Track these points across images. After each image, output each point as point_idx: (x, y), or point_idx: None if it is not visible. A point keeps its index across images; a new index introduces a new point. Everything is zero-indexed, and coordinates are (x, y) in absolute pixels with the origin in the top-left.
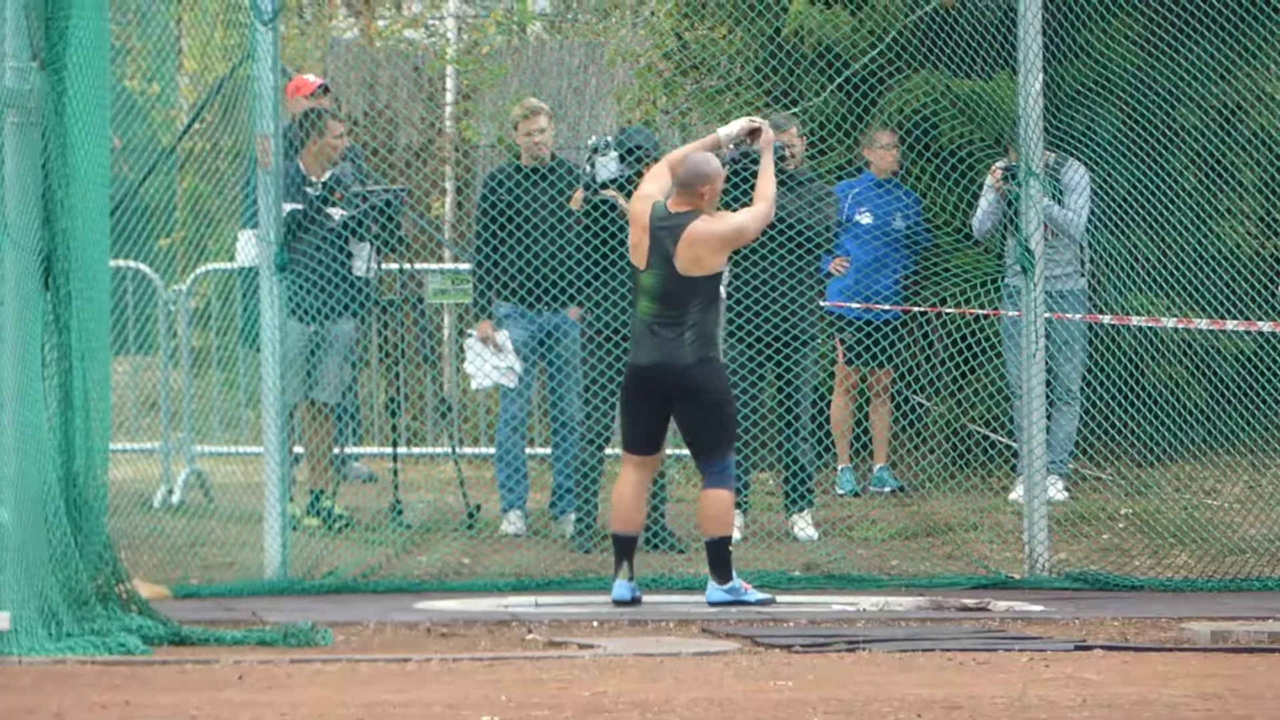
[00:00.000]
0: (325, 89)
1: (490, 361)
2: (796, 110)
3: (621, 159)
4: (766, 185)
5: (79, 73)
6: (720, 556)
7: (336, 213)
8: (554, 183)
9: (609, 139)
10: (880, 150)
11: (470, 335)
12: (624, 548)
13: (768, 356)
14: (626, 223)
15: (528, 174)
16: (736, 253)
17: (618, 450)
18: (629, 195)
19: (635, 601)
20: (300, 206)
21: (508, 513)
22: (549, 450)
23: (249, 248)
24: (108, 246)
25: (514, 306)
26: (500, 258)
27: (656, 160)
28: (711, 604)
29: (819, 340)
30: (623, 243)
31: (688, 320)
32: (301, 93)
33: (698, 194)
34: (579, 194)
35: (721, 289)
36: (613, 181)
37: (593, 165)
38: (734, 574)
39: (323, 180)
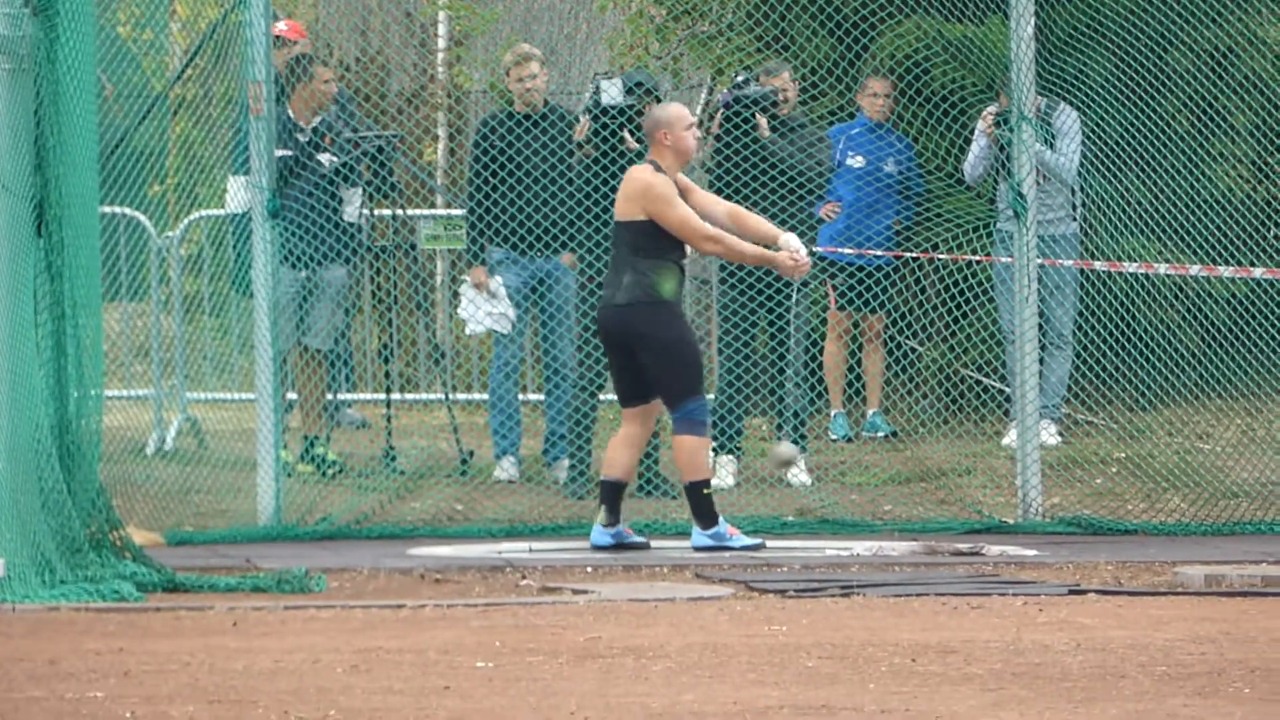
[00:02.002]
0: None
1: (484, 308)
2: (787, 56)
3: (628, 91)
4: (735, 243)
5: (70, 19)
6: (698, 502)
7: (326, 159)
8: (546, 129)
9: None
10: (870, 98)
11: (464, 282)
12: (605, 492)
13: (760, 302)
14: (630, 155)
15: (520, 120)
16: (727, 194)
17: (611, 397)
18: (634, 131)
19: (618, 548)
20: (290, 153)
21: (501, 459)
22: (542, 397)
23: (239, 194)
24: (97, 193)
25: (507, 252)
26: (493, 204)
27: (658, 98)
28: (696, 549)
29: (811, 285)
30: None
31: (623, 264)
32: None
33: (656, 140)
34: (584, 123)
35: (669, 248)
36: (615, 109)
37: (598, 91)
38: (719, 518)
39: (312, 126)
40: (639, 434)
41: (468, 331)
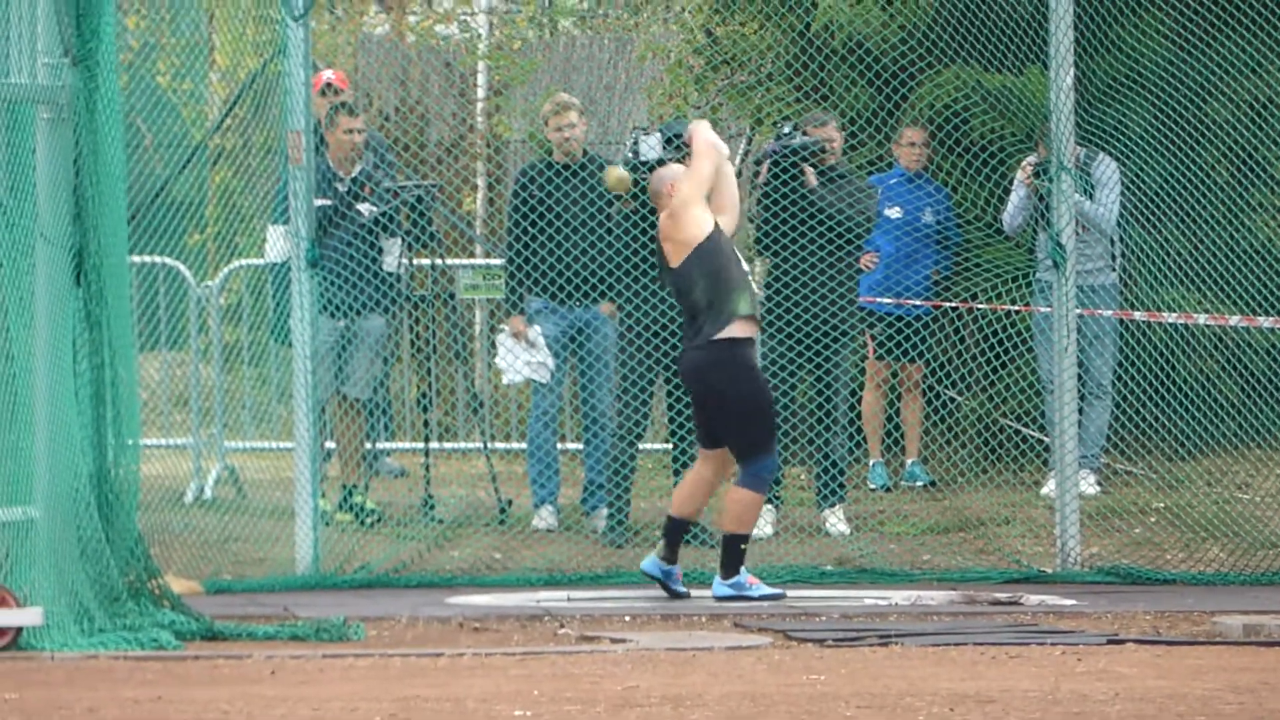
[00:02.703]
0: (335, 88)
1: (522, 357)
2: (826, 106)
3: (667, 143)
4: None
5: (110, 70)
6: (732, 552)
7: (366, 208)
8: (585, 179)
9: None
10: (907, 148)
11: (502, 331)
12: (668, 527)
13: (803, 353)
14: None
15: (559, 170)
16: (773, 245)
17: (651, 445)
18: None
19: (664, 586)
20: (330, 202)
21: (539, 508)
22: (581, 446)
23: (278, 243)
24: (127, 244)
25: (545, 302)
26: (532, 254)
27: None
28: (717, 598)
29: (855, 336)
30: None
31: (694, 308)
32: (316, 89)
33: (664, 195)
34: (613, 171)
35: (726, 255)
36: (658, 162)
37: (636, 144)
38: (741, 570)
39: (352, 176)
40: (712, 478)
41: (505, 381)
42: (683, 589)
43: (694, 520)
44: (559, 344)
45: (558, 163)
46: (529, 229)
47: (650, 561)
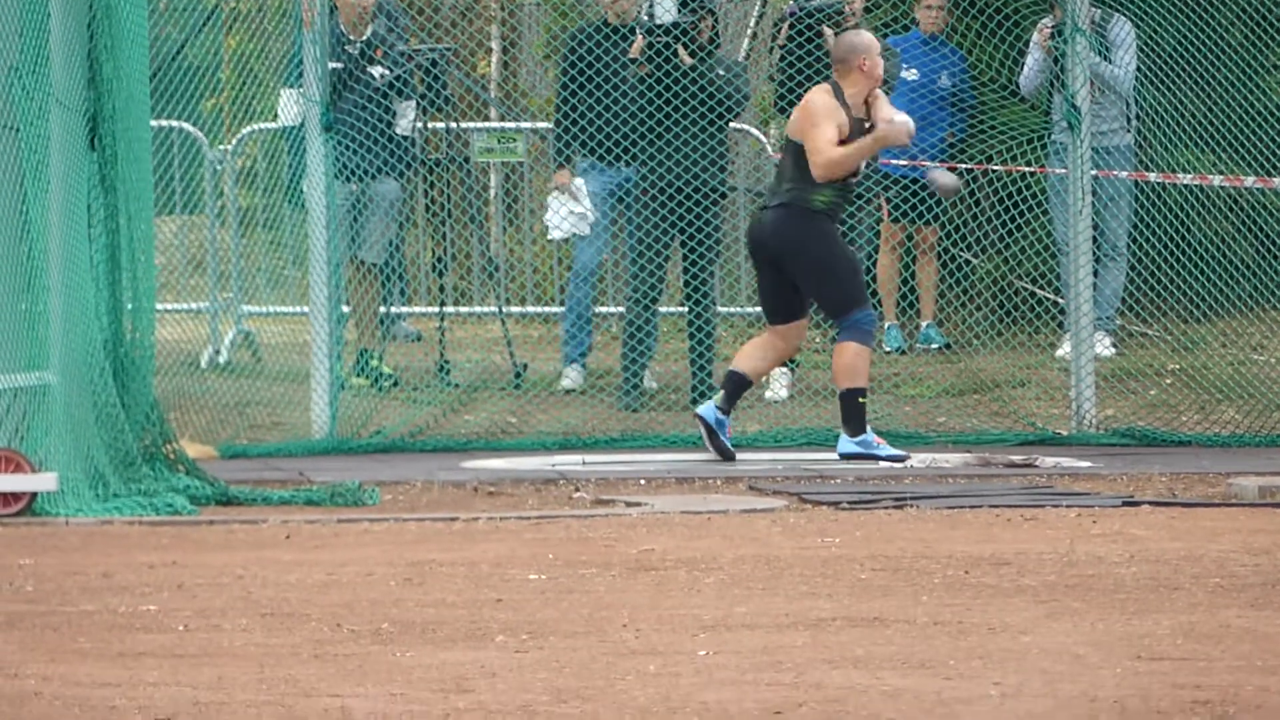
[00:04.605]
0: None
1: (565, 208)
2: None
3: (682, 4)
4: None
5: None
6: (851, 408)
7: (378, 71)
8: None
9: None
10: (925, 10)
11: (552, 190)
12: (729, 379)
13: None
14: (682, 72)
15: (608, 33)
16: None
17: (668, 309)
18: (688, 44)
19: (712, 433)
20: (340, 65)
21: (568, 366)
22: (616, 309)
23: (290, 106)
24: (149, 108)
25: (591, 162)
26: (580, 116)
27: (713, 11)
28: (842, 456)
29: (871, 198)
30: (678, 95)
31: (783, 177)
32: None
33: (853, 66)
34: (639, 42)
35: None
36: (674, 26)
37: (651, 8)
38: (868, 427)
39: (363, 39)
40: (782, 347)
41: (550, 236)
42: (729, 445)
43: (752, 380)
44: (605, 204)
45: (607, 26)
46: (576, 92)
47: (706, 406)
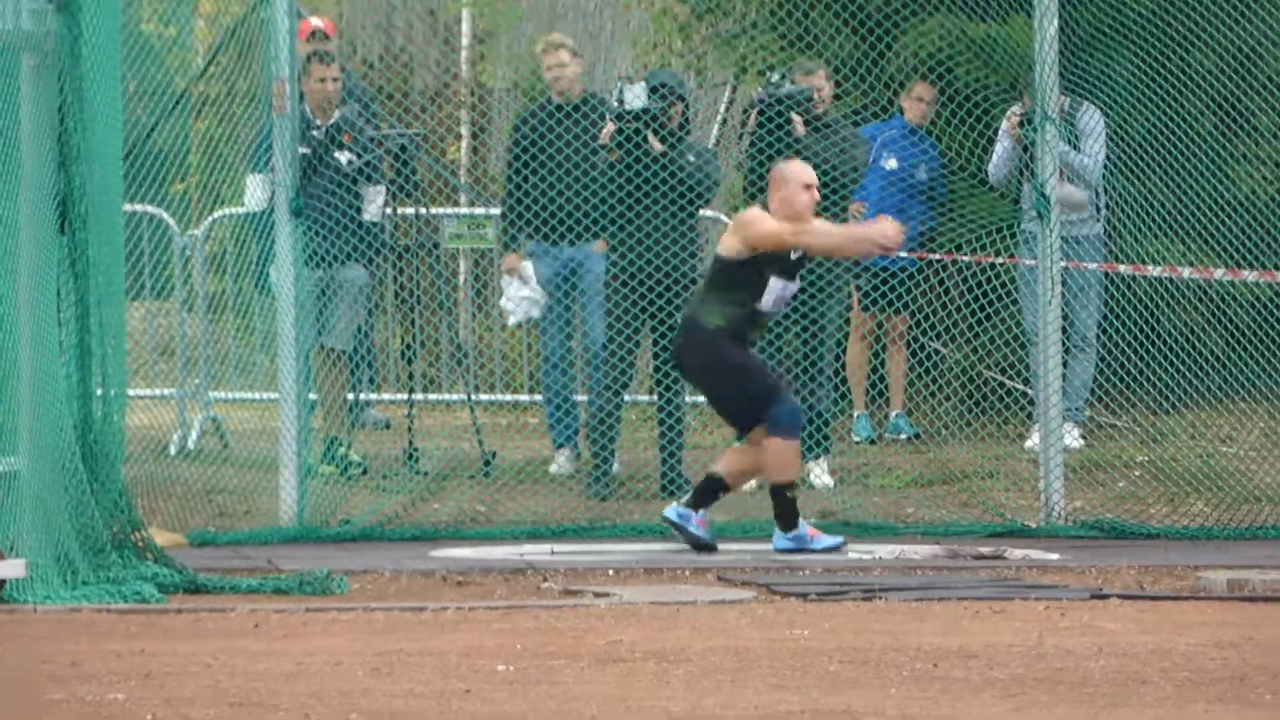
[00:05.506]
0: (323, 34)
1: (514, 293)
2: (811, 55)
3: (652, 91)
4: (822, 227)
5: (94, 15)
6: (783, 503)
7: (345, 157)
8: (580, 120)
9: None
10: (915, 101)
11: (504, 273)
12: (704, 480)
13: (792, 305)
14: (652, 158)
15: (553, 111)
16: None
17: (637, 396)
18: (658, 130)
19: (679, 529)
20: (308, 150)
21: (558, 451)
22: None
23: (257, 191)
24: (122, 191)
25: (539, 244)
26: (525, 195)
27: (683, 98)
28: (778, 550)
29: (841, 287)
30: (648, 180)
31: (693, 297)
32: (301, 36)
33: (770, 193)
34: (609, 127)
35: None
36: (644, 112)
37: (622, 94)
38: (800, 521)
39: (328, 125)
40: (757, 452)
41: (510, 322)
42: (701, 535)
43: (731, 485)
44: (552, 284)
45: (552, 104)
46: (522, 170)
47: (670, 508)
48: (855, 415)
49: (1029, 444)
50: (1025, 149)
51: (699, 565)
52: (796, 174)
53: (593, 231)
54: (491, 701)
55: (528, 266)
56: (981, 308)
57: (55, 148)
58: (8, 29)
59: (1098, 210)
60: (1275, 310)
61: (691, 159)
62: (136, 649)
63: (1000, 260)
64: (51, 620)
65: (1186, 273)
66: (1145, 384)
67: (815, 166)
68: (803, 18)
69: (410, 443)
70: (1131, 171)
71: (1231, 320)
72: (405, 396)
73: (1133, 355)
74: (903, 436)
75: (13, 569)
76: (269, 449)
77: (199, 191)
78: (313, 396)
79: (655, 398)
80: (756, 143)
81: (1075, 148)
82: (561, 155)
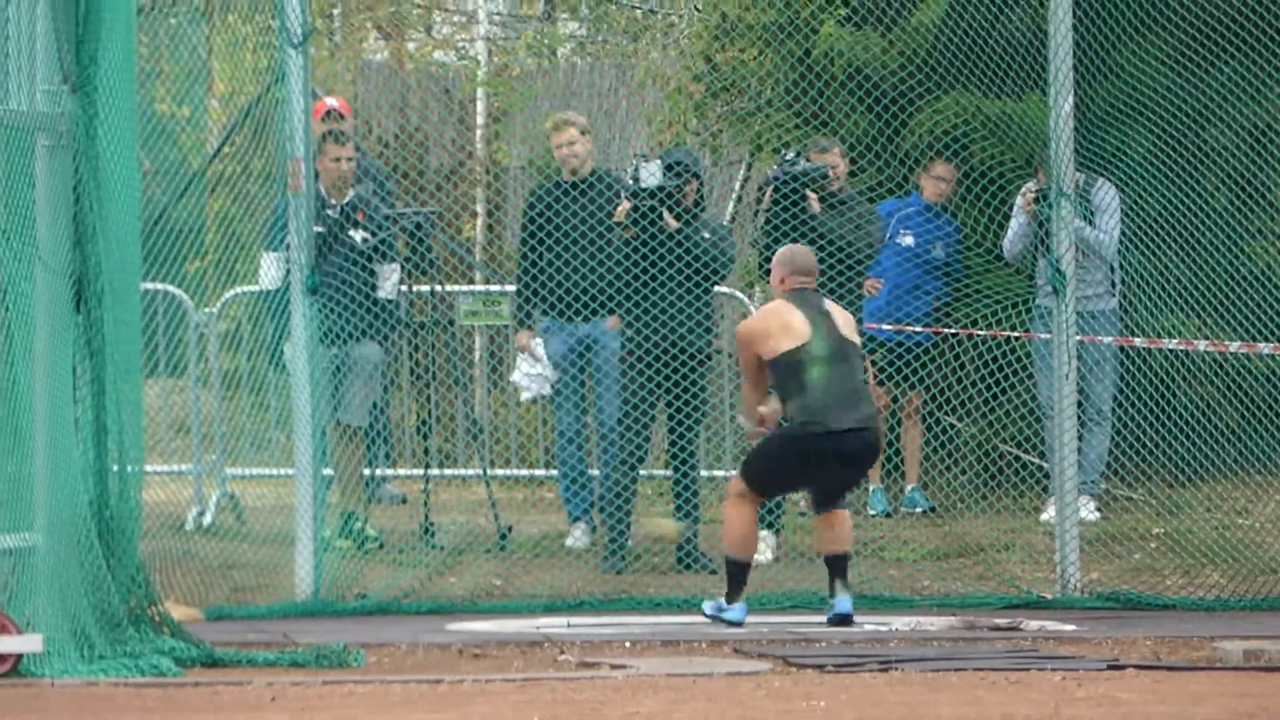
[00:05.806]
0: (338, 114)
1: (525, 369)
2: (826, 132)
3: (667, 169)
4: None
5: (110, 95)
6: (844, 570)
7: (359, 235)
8: (594, 197)
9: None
10: (934, 180)
11: (516, 350)
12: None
13: None
14: (668, 235)
15: (566, 189)
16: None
17: (651, 471)
18: (673, 207)
19: (715, 620)
20: (323, 229)
21: (573, 524)
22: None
23: (271, 270)
24: (139, 269)
25: (552, 320)
26: (540, 272)
27: (698, 175)
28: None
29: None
30: (663, 257)
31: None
32: (316, 115)
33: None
34: (624, 206)
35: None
36: (659, 189)
37: (637, 171)
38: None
39: (342, 203)
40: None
41: (523, 398)
42: (733, 616)
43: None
44: (566, 361)
45: (565, 182)
46: (535, 248)
47: (737, 610)
48: (870, 489)
49: (1044, 517)
50: (1040, 225)
51: (715, 638)
52: (783, 259)
53: (607, 308)
54: None
55: (538, 344)
56: (997, 382)
57: (70, 227)
58: (22, 110)
59: (1113, 285)
60: None
61: (706, 235)
62: None
63: (1015, 335)
64: (69, 694)
65: (1202, 346)
66: (1161, 457)
67: (830, 243)
68: (818, 95)
69: (426, 517)
70: (1147, 246)
71: (1247, 393)
72: (421, 472)
73: (1148, 428)
74: (918, 510)
75: (30, 644)
76: (285, 524)
77: (214, 269)
78: (328, 472)
79: (671, 472)
80: (771, 219)
81: (1090, 223)
82: (575, 232)
